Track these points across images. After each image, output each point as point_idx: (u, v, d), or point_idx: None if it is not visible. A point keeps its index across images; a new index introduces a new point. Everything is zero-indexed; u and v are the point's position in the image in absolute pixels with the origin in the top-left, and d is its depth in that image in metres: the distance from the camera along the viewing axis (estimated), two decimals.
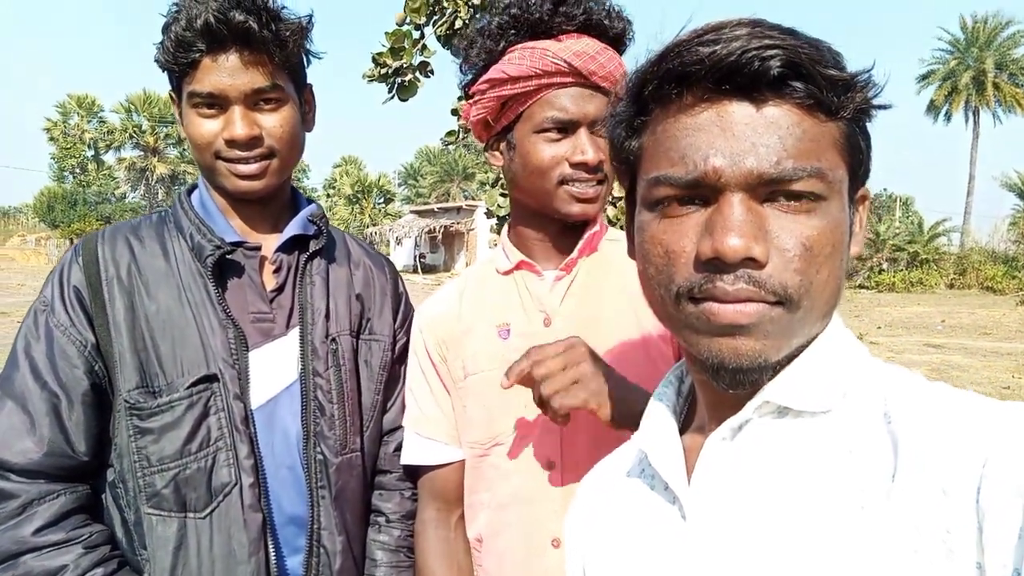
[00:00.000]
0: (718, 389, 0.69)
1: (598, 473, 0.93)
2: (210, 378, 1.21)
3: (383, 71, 6.38)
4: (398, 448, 1.43)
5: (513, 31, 1.21)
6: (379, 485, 1.44)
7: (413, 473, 1.41)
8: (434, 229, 35.83)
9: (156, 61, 1.26)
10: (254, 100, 1.24)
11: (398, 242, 37.17)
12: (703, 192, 0.65)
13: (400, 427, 1.43)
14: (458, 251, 37.58)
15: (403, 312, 1.49)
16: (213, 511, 1.20)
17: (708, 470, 0.71)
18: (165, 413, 1.19)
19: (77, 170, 59.48)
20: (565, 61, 1.16)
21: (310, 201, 1.43)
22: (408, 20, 6.34)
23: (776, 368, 0.68)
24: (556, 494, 1.22)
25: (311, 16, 1.31)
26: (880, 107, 0.67)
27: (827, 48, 0.64)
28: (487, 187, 7.29)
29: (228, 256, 1.26)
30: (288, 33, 1.25)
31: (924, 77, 46.76)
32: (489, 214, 6.94)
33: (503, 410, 1.26)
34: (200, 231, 1.26)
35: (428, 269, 35.87)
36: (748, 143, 0.62)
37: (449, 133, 6.87)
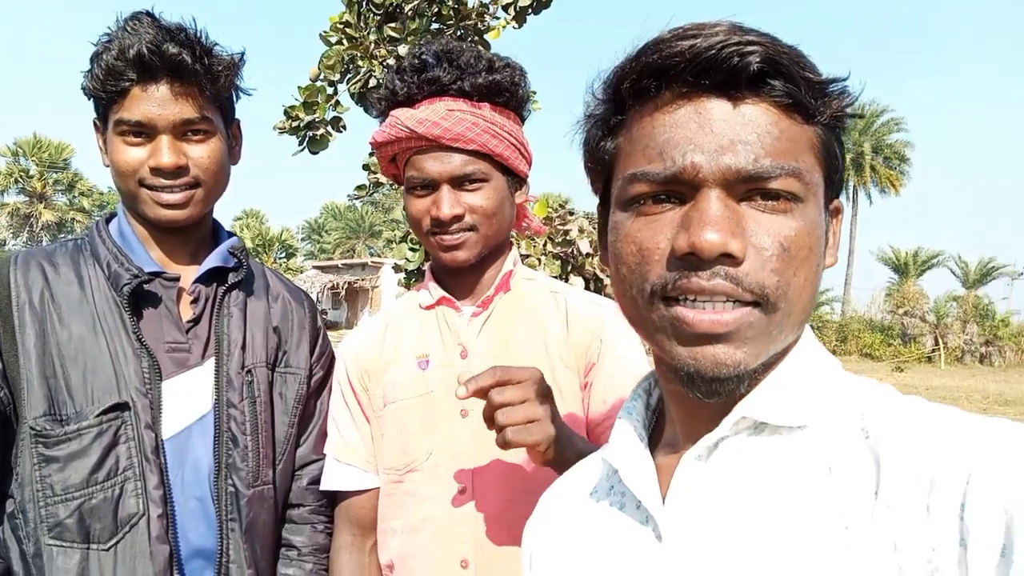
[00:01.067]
0: (692, 398, 0.67)
1: (558, 491, 0.90)
2: (121, 406, 1.19)
3: (295, 124, 6.39)
4: (311, 482, 1.44)
5: (385, 101, 1.33)
6: (290, 518, 1.44)
7: (331, 499, 1.43)
8: (337, 285, 35.27)
9: (83, 88, 1.27)
10: (182, 131, 1.26)
11: None
12: (680, 189, 0.64)
13: (313, 461, 1.44)
14: (361, 308, 37.04)
15: (320, 346, 1.50)
16: (118, 542, 1.17)
17: (684, 490, 0.69)
18: (72, 441, 1.17)
19: None
20: (407, 128, 1.26)
21: (231, 234, 1.45)
22: (322, 76, 6.41)
23: (752, 377, 0.66)
24: (468, 518, 1.26)
25: (243, 53, 1.35)
26: (854, 116, 0.67)
27: (805, 55, 0.64)
28: (394, 244, 7.32)
29: (145, 285, 1.26)
30: (220, 68, 1.28)
31: None
32: (397, 268, 6.96)
33: (419, 436, 1.31)
34: (117, 259, 1.26)
35: (330, 326, 35.13)
36: (727, 140, 0.62)
37: (359, 187, 6.90)
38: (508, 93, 1.32)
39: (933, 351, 31.40)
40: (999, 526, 0.51)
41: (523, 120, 1.40)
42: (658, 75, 0.64)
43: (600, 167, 0.74)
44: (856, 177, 47.02)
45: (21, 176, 54.69)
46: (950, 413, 0.61)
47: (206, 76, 1.26)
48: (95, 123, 1.31)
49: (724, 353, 0.62)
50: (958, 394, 17.69)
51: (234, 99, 1.39)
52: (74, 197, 56.54)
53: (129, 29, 1.22)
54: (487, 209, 1.30)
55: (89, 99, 1.28)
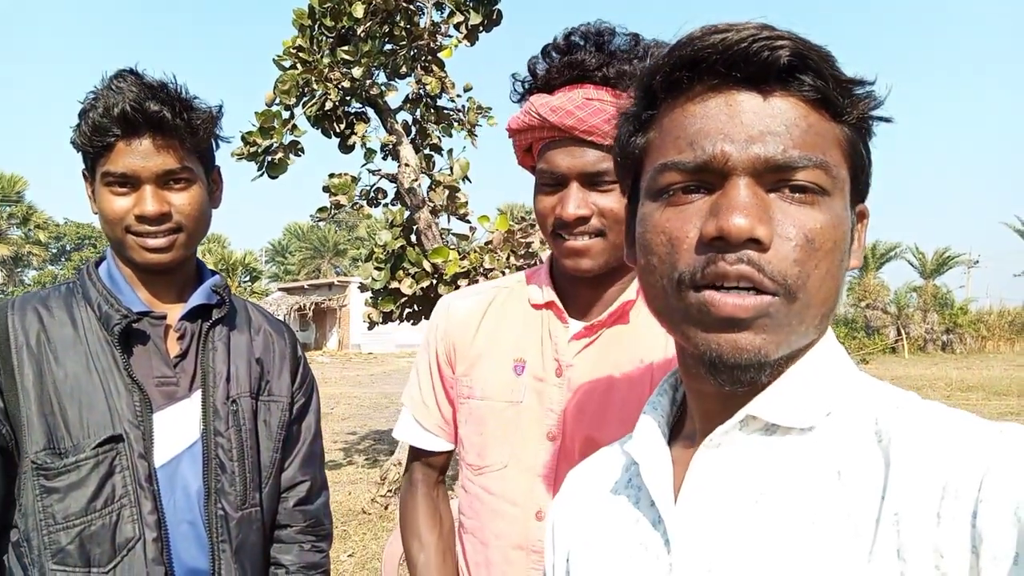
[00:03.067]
0: (715, 387, 0.68)
1: (582, 474, 0.92)
2: (116, 438, 1.28)
3: (252, 149, 6.43)
4: (297, 503, 1.53)
5: (525, 84, 1.24)
6: (278, 539, 1.53)
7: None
8: (304, 307, 35.00)
9: (72, 143, 1.36)
10: (164, 180, 1.34)
11: None
12: (709, 178, 0.65)
13: (299, 483, 1.54)
14: (330, 328, 36.84)
15: (301, 374, 1.60)
16: (117, 565, 1.25)
17: (695, 490, 0.70)
18: (71, 472, 1.25)
19: None
20: (540, 116, 1.16)
21: (214, 273, 1.54)
22: (278, 100, 6.45)
23: (775, 368, 0.67)
24: (540, 544, 1.21)
25: (221, 106, 1.45)
26: (883, 119, 0.68)
27: (833, 54, 0.65)
28: (360, 263, 7.35)
29: (134, 324, 1.35)
30: (199, 121, 1.37)
31: None
32: (363, 288, 7.00)
33: (499, 443, 1.27)
34: (107, 301, 1.35)
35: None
36: (756, 130, 0.63)
37: (320, 209, 6.95)
38: (629, 79, 1.17)
39: (896, 342, 32.06)
40: (1012, 534, 0.51)
41: None
42: (690, 67, 0.66)
43: (630, 162, 0.75)
44: None
45: None
46: (965, 418, 0.60)
47: (186, 129, 1.34)
48: (84, 174, 1.40)
49: (744, 339, 0.63)
50: (922, 382, 18.12)
51: (213, 148, 1.47)
52: (29, 231, 55.43)
53: (114, 87, 1.31)
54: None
55: (77, 152, 1.37)
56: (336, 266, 54.86)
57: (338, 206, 6.96)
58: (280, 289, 40.41)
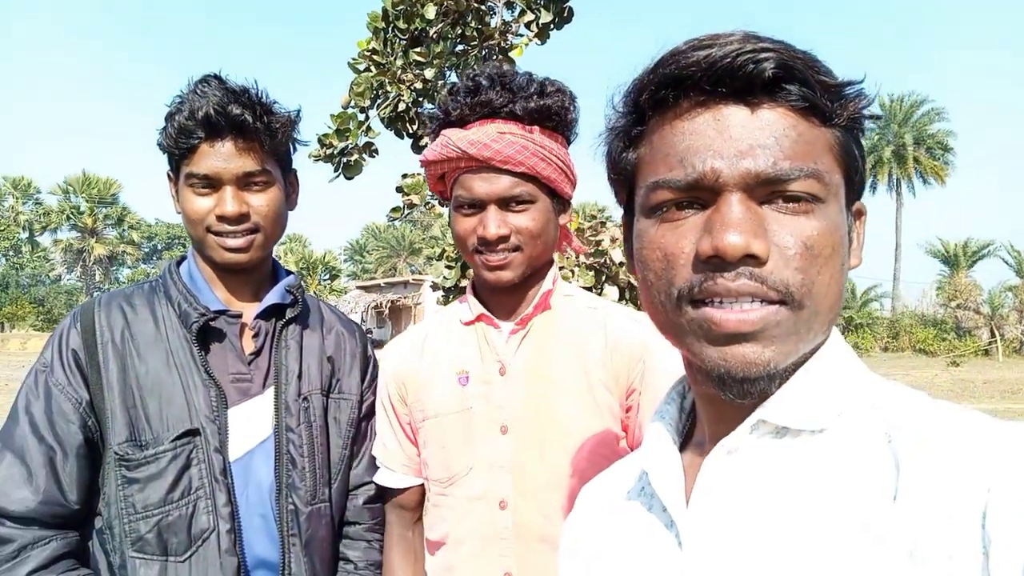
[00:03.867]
0: (724, 399, 0.67)
1: (596, 489, 0.93)
2: (193, 432, 1.33)
3: (329, 151, 6.59)
4: (366, 501, 1.56)
5: (437, 121, 1.39)
6: (347, 535, 1.56)
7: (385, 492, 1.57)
8: (380, 304, 35.64)
9: (158, 145, 1.42)
10: (244, 182, 1.39)
11: None
12: (702, 195, 0.65)
13: (367, 482, 1.56)
14: (405, 325, 37.35)
15: (371, 373, 1.63)
16: (192, 555, 1.30)
17: (706, 494, 0.69)
18: (151, 464, 1.31)
19: (10, 252, 57.95)
20: (459, 148, 1.31)
21: (289, 273, 1.58)
22: (353, 103, 6.59)
23: (783, 376, 0.67)
24: (508, 532, 1.34)
25: (299, 111, 1.49)
26: (872, 117, 0.68)
27: (819, 59, 0.65)
28: (433, 261, 7.46)
29: (211, 323, 1.40)
30: (278, 125, 1.42)
31: None
32: (435, 287, 7.09)
33: (460, 451, 1.39)
34: (187, 300, 1.40)
35: (375, 344, 35.45)
36: (745, 144, 0.63)
37: (394, 209, 7.06)
38: (558, 117, 1.35)
39: (990, 343, 30.65)
40: (1022, 537, 0.51)
41: (569, 143, 1.42)
42: (675, 85, 0.66)
43: (623, 178, 0.75)
44: (899, 169, 46.24)
45: (72, 213, 56.58)
46: (976, 419, 0.60)
47: (266, 133, 1.39)
48: (168, 175, 1.46)
49: (753, 352, 0.63)
50: (1018, 387, 17.25)
51: (291, 151, 1.52)
52: (123, 231, 58.23)
53: (199, 92, 1.37)
54: (532, 230, 1.33)
55: (163, 153, 1.43)
56: (411, 264, 55.74)
57: (411, 206, 7.06)
58: (358, 287, 41.26)
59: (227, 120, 1.35)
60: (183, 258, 1.52)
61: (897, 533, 0.56)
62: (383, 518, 1.58)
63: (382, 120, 6.79)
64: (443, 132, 1.35)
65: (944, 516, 0.54)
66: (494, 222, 1.32)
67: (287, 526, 1.40)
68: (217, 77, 1.41)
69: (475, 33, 6.69)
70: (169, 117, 1.38)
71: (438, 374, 1.44)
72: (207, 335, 1.41)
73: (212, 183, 1.38)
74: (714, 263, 0.63)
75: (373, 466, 1.57)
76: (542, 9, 6.70)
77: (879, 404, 0.66)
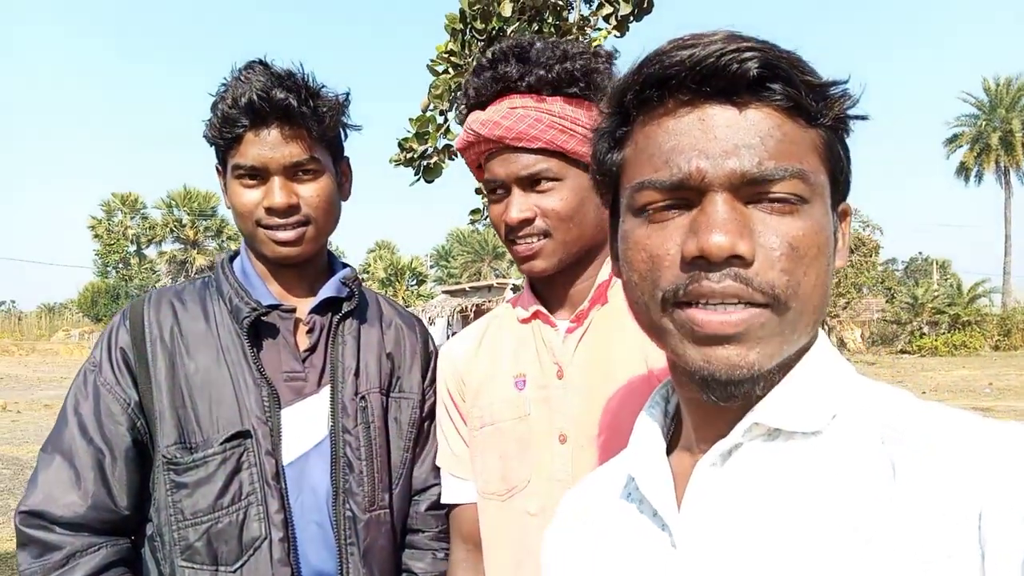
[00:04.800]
0: (707, 402, 0.67)
1: (581, 493, 0.91)
2: (243, 434, 1.26)
3: (409, 155, 6.62)
4: (430, 507, 1.45)
5: (465, 105, 1.28)
6: (410, 544, 1.46)
7: (447, 510, 1.43)
8: (466, 308, 36.00)
9: (204, 137, 1.35)
10: (293, 171, 1.31)
11: (431, 322, 37.35)
12: (687, 195, 0.65)
13: (432, 485, 1.45)
14: None
15: (433, 370, 1.51)
16: (243, 565, 1.23)
17: (698, 497, 0.69)
18: (199, 468, 1.24)
19: (120, 265, 61.33)
20: (474, 131, 1.21)
21: (345, 265, 1.50)
22: (432, 106, 6.61)
23: (768, 378, 0.66)
24: None
25: (348, 93, 1.40)
26: (858, 117, 0.68)
27: (803, 59, 0.65)
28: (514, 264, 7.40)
29: (264, 317, 1.32)
30: (325, 109, 1.33)
31: (951, 140, 46.91)
32: (515, 288, 7.05)
33: (517, 461, 1.26)
34: (239, 294, 1.33)
35: None
36: (730, 144, 0.63)
37: (474, 211, 7.06)
38: (584, 82, 1.19)
39: None
40: (1019, 536, 0.51)
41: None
42: (660, 85, 0.66)
43: (608, 178, 0.75)
44: (1007, 157, 43.63)
45: (175, 226, 59.48)
46: (969, 419, 0.61)
47: (313, 118, 1.31)
48: (217, 168, 1.40)
49: (736, 355, 0.62)
50: None
51: (342, 138, 1.44)
52: (223, 242, 60.79)
53: (242, 78, 1.30)
54: (560, 211, 1.19)
55: (210, 146, 1.37)
56: (495, 268, 56.09)
57: None
58: (443, 292, 41.83)
59: (271, 105, 1.27)
60: (236, 253, 1.45)
61: (894, 534, 0.56)
62: (449, 525, 1.46)
63: (460, 122, 6.80)
64: (468, 116, 1.26)
65: (941, 517, 0.55)
66: (516, 205, 1.20)
67: (344, 534, 1.31)
68: (262, 62, 1.33)
69: (552, 29, 6.60)
70: (213, 107, 1.32)
71: (495, 377, 1.32)
72: (259, 331, 1.34)
73: (259, 174, 1.31)
74: (699, 264, 0.62)
75: (437, 469, 1.44)
76: (621, 1, 6.57)
77: (870, 405, 0.66)
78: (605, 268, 1.28)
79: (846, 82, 0.66)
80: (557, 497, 1.17)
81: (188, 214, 59.12)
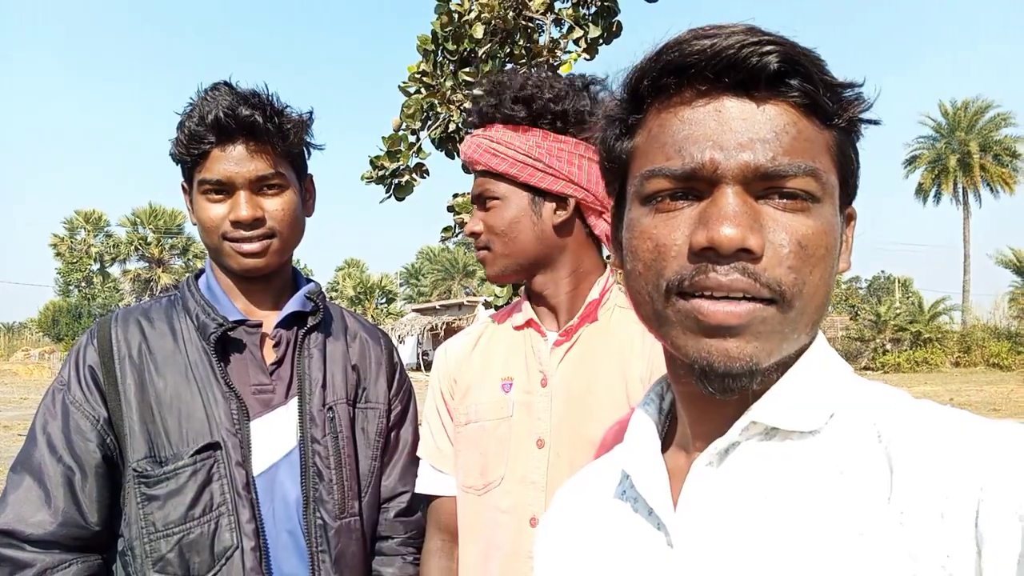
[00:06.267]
0: (704, 397, 0.67)
1: (573, 490, 0.90)
2: (213, 446, 1.28)
3: (380, 173, 6.66)
4: (398, 514, 1.49)
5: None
6: (379, 551, 1.49)
7: (425, 501, 1.49)
8: (436, 326, 35.93)
9: (171, 155, 1.39)
10: (258, 186, 1.36)
11: (400, 340, 37.25)
12: (697, 186, 0.64)
13: (400, 493, 1.50)
14: None
15: (398, 381, 1.57)
16: (216, 574, 1.25)
17: (695, 497, 0.68)
18: (170, 480, 1.26)
19: (83, 284, 60.24)
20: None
21: (309, 280, 1.54)
22: (404, 125, 6.67)
23: (765, 375, 0.65)
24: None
25: (311, 112, 1.46)
26: (871, 122, 0.68)
27: (821, 58, 0.65)
28: (486, 281, 7.43)
29: (230, 333, 1.35)
30: (290, 126, 1.38)
31: (910, 161, 47.96)
32: (487, 305, 7.07)
33: (495, 459, 1.33)
34: (205, 311, 1.36)
35: (431, 366, 35.74)
36: (745, 137, 0.62)
37: (446, 229, 7.10)
38: (523, 109, 1.31)
39: None
40: (1015, 534, 0.51)
41: (558, 129, 1.32)
42: (678, 73, 0.65)
43: (617, 166, 0.74)
44: (964, 178, 44.72)
45: (140, 244, 58.64)
46: (964, 418, 0.61)
47: (277, 134, 1.36)
48: (183, 186, 1.43)
49: (735, 347, 0.62)
50: None
51: (306, 156, 1.48)
52: (189, 260, 60.02)
53: (208, 97, 1.34)
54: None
55: (177, 164, 1.41)
56: (466, 287, 56.08)
57: (462, 224, 7.07)
58: (413, 310, 41.69)
59: (237, 122, 1.32)
60: (201, 271, 1.49)
61: (892, 533, 0.56)
62: (418, 532, 1.51)
63: (432, 141, 6.85)
64: None
65: (938, 517, 0.55)
66: (470, 221, 1.37)
67: (316, 542, 1.34)
68: (227, 83, 1.39)
69: (524, 51, 6.70)
70: (180, 125, 1.36)
71: (485, 378, 1.40)
72: (226, 346, 1.37)
73: (225, 188, 1.35)
74: (708, 256, 0.62)
75: (405, 477, 1.50)
76: (590, 24, 6.69)
77: (867, 404, 0.66)
78: (597, 287, 1.37)
79: (861, 85, 0.66)
80: (528, 497, 1.26)
81: (153, 232, 58.36)
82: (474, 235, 1.36)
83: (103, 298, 59.78)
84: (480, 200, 1.36)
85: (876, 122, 0.68)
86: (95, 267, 60.57)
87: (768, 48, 0.61)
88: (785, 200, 0.63)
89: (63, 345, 46.75)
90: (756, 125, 0.63)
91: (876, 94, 0.66)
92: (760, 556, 0.62)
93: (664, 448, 0.78)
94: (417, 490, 1.49)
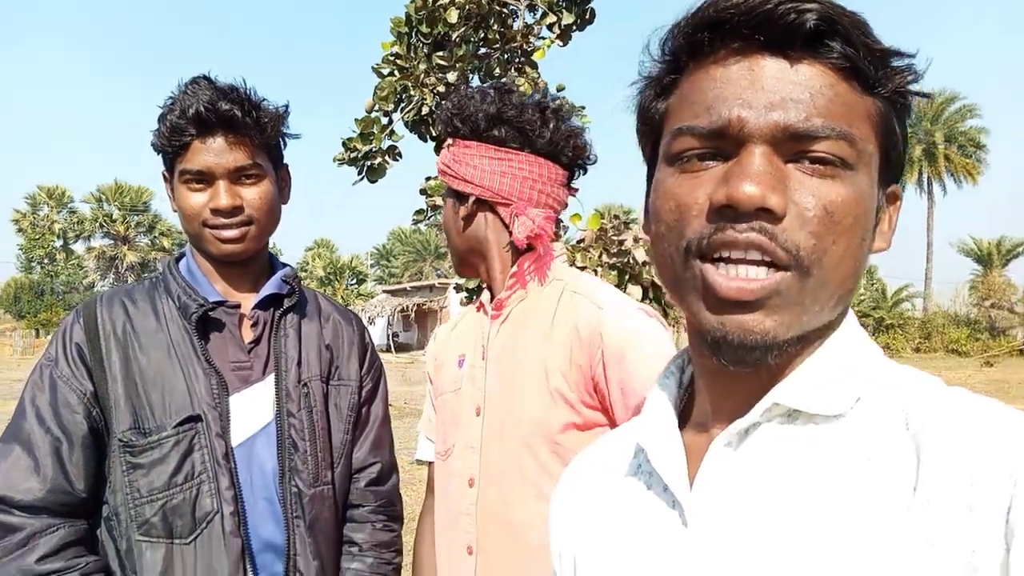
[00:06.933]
0: (722, 371, 0.65)
1: (585, 462, 0.89)
2: (195, 418, 1.37)
3: (353, 155, 6.67)
4: (368, 484, 1.61)
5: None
6: (351, 518, 1.60)
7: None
8: (407, 308, 35.89)
9: (152, 145, 1.47)
10: (237, 176, 1.44)
11: (370, 322, 37.14)
12: (725, 145, 0.62)
13: (369, 464, 1.62)
14: (431, 329, 37.52)
15: (369, 360, 1.67)
16: (197, 537, 1.34)
17: (713, 477, 0.66)
18: (154, 449, 1.35)
19: (45, 260, 59.19)
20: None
21: (285, 265, 1.63)
22: (377, 107, 6.67)
23: (783, 349, 0.63)
24: (473, 508, 1.42)
25: (287, 105, 1.54)
26: (920, 94, 0.65)
27: (867, 21, 0.62)
28: None
29: (211, 313, 1.44)
30: (267, 119, 1.47)
31: None
32: (459, 288, 7.14)
33: (450, 428, 1.51)
34: (186, 292, 1.45)
35: (401, 348, 35.75)
36: (777, 97, 0.60)
37: (418, 212, 7.13)
38: (452, 126, 1.50)
39: None
40: None
41: (476, 137, 1.47)
42: (712, 28, 0.63)
43: (650, 127, 0.72)
44: (930, 168, 45.47)
45: (105, 221, 57.74)
46: (997, 407, 0.58)
47: (255, 127, 1.44)
48: (163, 175, 1.51)
49: (752, 320, 0.60)
50: None
51: (282, 146, 1.57)
52: (155, 238, 59.21)
53: (188, 92, 1.42)
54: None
55: (158, 154, 1.48)
56: (437, 268, 55.96)
57: (434, 207, 7.12)
58: (384, 291, 41.56)
59: (217, 116, 1.39)
60: (182, 255, 1.57)
61: (917, 524, 0.54)
62: (387, 500, 1.63)
63: (406, 124, 6.87)
64: None
65: (966, 510, 0.52)
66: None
67: (291, 508, 1.43)
68: (206, 77, 1.46)
69: (497, 36, 6.72)
70: (161, 118, 1.44)
71: (450, 355, 1.59)
72: (207, 326, 1.45)
73: (205, 178, 1.42)
74: (727, 214, 0.60)
75: (375, 450, 1.63)
76: (564, 11, 6.73)
77: (896, 390, 0.63)
78: (517, 266, 1.53)
79: (913, 55, 0.62)
80: (469, 462, 1.43)
81: (119, 209, 57.46)
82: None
83: (66, 275, 58.80)
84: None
85: (927, 95, 0.66)
86: (58, 243, 59.54)
87: (807, 6, 0.58)
88: (816, 164, 0.60)
89: (25, 323, 45.95)
90: (790, 85, 0.60)
91: (927, 65, 0.63)
92: (777, 541, 0.60)
93: (682, 423, 0.75)
94: (416, 457, 1.69)
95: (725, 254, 0.60)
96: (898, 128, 0.65)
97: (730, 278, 0.60)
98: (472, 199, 1.48)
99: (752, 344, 0.61)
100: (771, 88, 0.60)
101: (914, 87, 0.63)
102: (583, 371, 1.36)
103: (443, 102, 1.54)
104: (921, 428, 0.58)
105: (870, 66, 0.61)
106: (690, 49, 0.65)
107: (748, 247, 0.59)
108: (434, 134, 6.90)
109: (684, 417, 0.76)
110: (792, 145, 0.60)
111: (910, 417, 0.60)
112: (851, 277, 0.63)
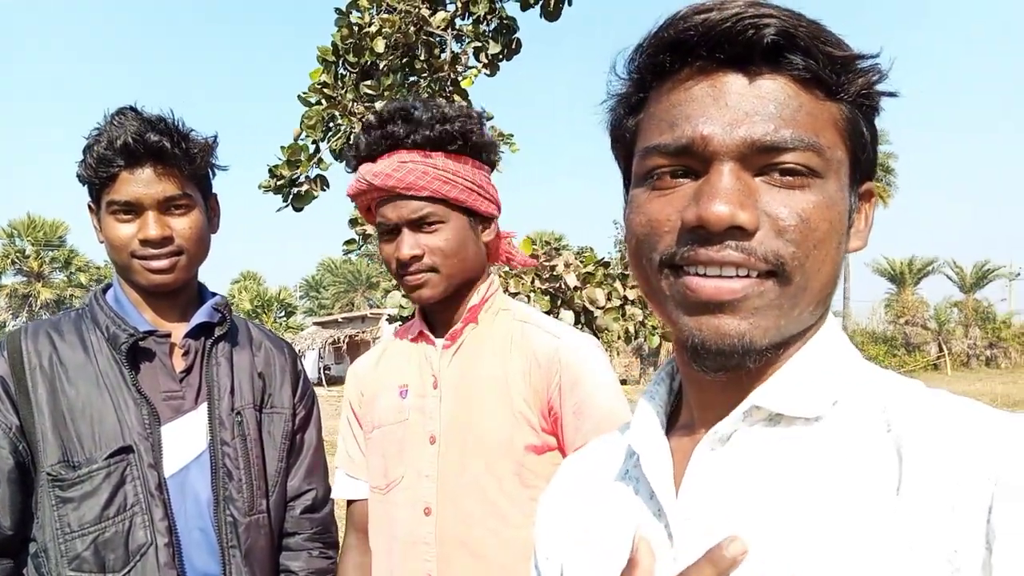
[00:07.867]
0: (699, 372, 0.66)
1: (573, 467, 0.88)
2: (126, 449, 1.35)
3: (279, 182, 6.59)
4: (304, 511, 1.60)
5: (353, 157, 1.46)
6: (287, 546, 1.59)
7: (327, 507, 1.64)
8: (338, 339, 35.29)
9: (78, 176, 1.45)
10: (166, 206, 1.43)
11: (301, 355, 36.19)
12: (693, 163, 0.63)
13: (304, 492, 1.61)
14: None
15: (302, 388, 1.67)
16: (131, 570, 1.32)
17: (697, 483, 0.66)
18: (84, 483, 1.32)
19: None
20: (367, 181, 1.40)
21: (215, 294, 1.62)
22: (304, 135, 6.62)
23: (762, 354, 0.63)
24: (431, 537, 1.40)
25: (216, 136, 1.55)
26: (886, 94, 0.65)
27: (828, 29, 0.62)
28: (390, 292, 7.47)
29: (141, 343, 1.43)
30: (196, 150, 1.47)
31: None
32: (391, 319, 7.10)
33: (396, 460, 1.46)
34: (115, 322, 1.43)
35: (333, 381, 35.07)
36: (741, 112, 0.61)
37: (348, 242, 7.08)
38: (461, 141, 1.41)
39: (938, 358, 31.45)
40: None
41: (489, 163, 1.48)
42: (673, 49, 0.64)
43: (623, 145, 0.73)
44: None
45: (17, 257, 55.14)
46: (978, 409, 0.59)
47: (184, 158, 1.44)
48: (89, 206, 1.49)
49: (728, 324, 0.61)
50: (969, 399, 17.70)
51: (210, 176, 1.57)
52: (71, 273, 56.83)
53: (115, 123, 1.41)
54: (444, 249, 1.40)
55: (83, 185, 1.47)
56: (369, 299, 55.33)
57: (365, 236, 7.09)
58: (315, 323, 40.81)
59: (145, 147, 1.39)
60: (108, 286, 1.55)
61: (898, 526, 0.54)
62: (323, 528, 1.63)
63: (333, 152, 6.84)
64: (359, 167, 1.45)
65: (949, 510, 0.53)
66: (406, 244, 1.40)
67: (226, 538, 1.42)
68: (133, 108, 1.46)
69: (425, 65, 6.78)
70: (88, 149, 1.43)
71: (385, 387, 1.52)
72: (137, 356, 1.44)
73: (134, 209, 1.42)
74: (699, 234, 0.60)
75: (309, 477, 1.62)
76: (490, 41, 6.84)
77: (876, 392, 0.64)
78: (476, 294, 1.50)
79: (874, 56, 0.63)
80: (424, 490, 1.41)
81: (32, 244, 55.07)
82: (415, 258, 1.40)
83: None
84: (418, 224, 1.40)
85: (893, 94, 0.66)
86: None
87: (764, 21, 0.59)
88: (784, 176, 0.61)
89: None
90: (753, 100, 0.61)
91: (890, 65, 0.64)
92: (760, 545, 0.59)
93: (672, 427, 0.76)
94: (334, 496, 1.62)
95: (701, 271, 0.62)
96: (866, 129, 0.66)
97: (708, 278, 0.61)
98: (495, 221, 1.46)
99: (729, 349, 0.61)
100: (734, 104, 0.61)
101: (881, 87, 0.65)
102: (539, 395, 1.39)
103: (407, 112, 1.41)
104: (903, 430, 0.58)
105: (832, 74, 0.62)
106: (654, 70, 0.67)
107: (724, 265, 0.61)
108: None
109: (674, 421, 0.77)
110: (760, 159, 0.61)
111: (891, 419, 0.60)
112: (830, 281, 0.64)
